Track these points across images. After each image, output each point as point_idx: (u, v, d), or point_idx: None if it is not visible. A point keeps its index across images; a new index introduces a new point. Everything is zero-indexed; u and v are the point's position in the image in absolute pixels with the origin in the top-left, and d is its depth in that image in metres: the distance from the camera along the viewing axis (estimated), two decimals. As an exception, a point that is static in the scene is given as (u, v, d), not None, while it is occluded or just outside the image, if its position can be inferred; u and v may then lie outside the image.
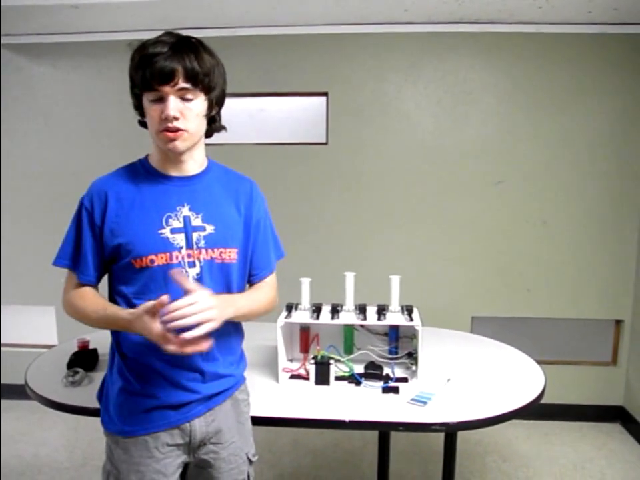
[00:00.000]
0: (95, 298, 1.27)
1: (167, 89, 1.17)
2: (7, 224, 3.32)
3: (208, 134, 1.34)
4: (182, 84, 1.18)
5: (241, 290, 1.39)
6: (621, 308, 3.11)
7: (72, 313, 1.29)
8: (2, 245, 3.33)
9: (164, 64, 1.15)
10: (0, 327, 3.35)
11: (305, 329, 1.96)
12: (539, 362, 2.04)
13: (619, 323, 3.16)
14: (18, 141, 3.26)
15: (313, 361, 1.82)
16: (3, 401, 3.30)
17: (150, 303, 1.11)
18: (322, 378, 1.80)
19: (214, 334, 1.29)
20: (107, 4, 2.57)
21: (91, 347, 2.03)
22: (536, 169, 3.04)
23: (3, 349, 3.42)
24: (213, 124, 1.33)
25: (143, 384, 1.27)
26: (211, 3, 2.57)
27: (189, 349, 1.12)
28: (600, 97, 2.96)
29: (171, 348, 1.11)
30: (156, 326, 1.11)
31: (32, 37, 3.10)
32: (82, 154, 3.19)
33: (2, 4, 2.54)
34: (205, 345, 1.14)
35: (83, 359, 1.95)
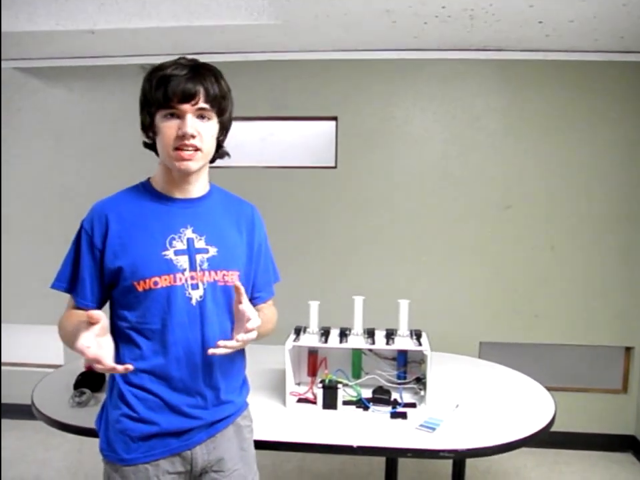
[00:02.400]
0: (77, 315, 1.23)
1: (186, 107, 1.19)
2: (17, 243, 3.35)
3: (212, 159, 1.34)
4: (201, 104, 1.21)
5: None
6: (631, 335, 3.07)
7: (61, 336, 1.25)
8: (9, 264, 3.35)
9: (187, 83, 1.19)
10: (0, 346, 3.35)
11: (313, 353, 1.95)
12: (547, 388, 2.02)
13: (629, 350, 3.13)
14: (31, 161, 3.31)
15: (320, 385, 1.81)
16: (7, 421, 3.28)
17: (90, 313, 1.05)
18: (329, 402, 1.79)
19: (218, 360, 1.29)
20: (122, 30, 2.62)
21: (98, 367, 2.03)
22: (544, 194, 3.04)
23: (9, 368, 3.42)
24: (219, 149, 1.34)
25: (144, 410, 1.24)
26: (223, 28, 2.62)
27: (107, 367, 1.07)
28: (607, 123, 2.97)
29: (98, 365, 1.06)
30: (88, 337, 1.04)
31: (48, 60, 3.17)
32: (93, 175, 3.23)
33: (23, 29, 2.60)
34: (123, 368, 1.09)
35: (90, 379, 1.95)
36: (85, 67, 3.19)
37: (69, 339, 1.18)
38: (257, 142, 3.21)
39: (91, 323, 1.04)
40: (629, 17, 2.37)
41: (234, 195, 1.43)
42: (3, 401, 3.33)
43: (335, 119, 3.14)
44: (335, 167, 3.15)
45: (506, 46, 2.89)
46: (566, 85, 2.97)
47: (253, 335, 1.20)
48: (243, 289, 1.20)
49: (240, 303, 1.21)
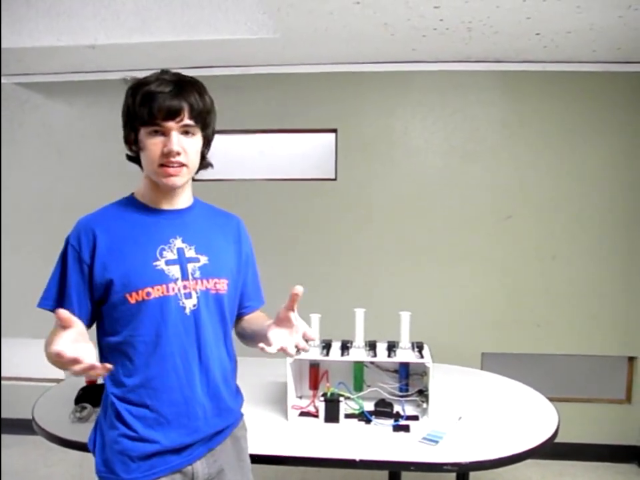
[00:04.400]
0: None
1: (171, 124, 1.19)
2: (18, 257, 3.36)
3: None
4: (186, 120, 1.20)
5: (231, 323, 1.39)
6: (633, 344, 3.06)
7: (46, 355, 1.15)
8: (10, 278, 3.36)
9: (172, 101, 1.18)
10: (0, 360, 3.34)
11: (314, 366, 1.94)
12: (550, 399, 2.01)
13: (632, 359, 3.11)
14: (33, 175, 3.32)
15: (322, 398, 1.81)
16: (8, 436, 3.27)
17: (59, 311, 1.01)
18: (331, 415, 1.79)
19: (218, 365, 1.30)
20: (122, 44, 2.65)
21: (99, 382, 2.02)
22: (544, 204, 3.05)
23: (9, 382, 3.42)
24: (203, 161, 1.33)
25: (143, 429, 1.22)
26: (223, 43, 2.64)
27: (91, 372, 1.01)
28: (605, 133, 2.98)
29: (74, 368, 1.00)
30: (63, 341, 0.99)
31: (49, 75, 3.20)
32: (94, 189, 3.23)
33: (24, 45, 2.63)
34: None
35: (91, 394, 1.94)
36: (86, 81, 3.21)
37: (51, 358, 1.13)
38: (256, 155, 3.22)
39: (63, 326, 1.00)
40: (625, 28, 2.39)
41: (218, 207, 1.44)
42: (4, 416, 3.32)
43: (334, 131, 3.15)
44: (335, 179, 3.16)
45: (504, 57, 2.91)
46: (565, 96, 2.99)
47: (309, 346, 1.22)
48: (300, 295, 1.17)
49: (292, 310, 1.18)
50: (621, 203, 3.01)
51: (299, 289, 1.16)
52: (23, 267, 3.35)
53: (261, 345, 1.15)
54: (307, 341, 1.19)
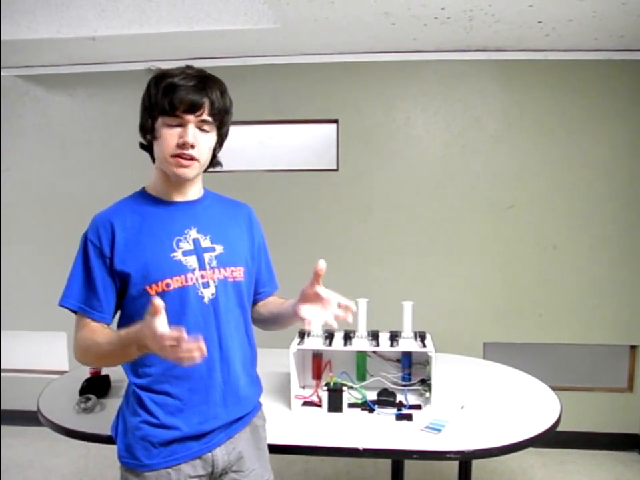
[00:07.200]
0: (106, 329, 1.23)
1: (190, 117, 1.21)
2: (21, 250, 3.36)
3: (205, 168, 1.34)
4: (205, 116, 1.22)
5: (248, 308, 1.41)
6: (635, 333, 3.07)
7: (84, 353, 1.23)
8: (12, 271, 3.36)
9: (194, 95, 1.20)
10: (0, 352, 3.36)
11: (317, 356, 1.95)
12: (552, 388, 2.02)
13: (633, 348, 3.12)
14: (33, 168, 3.32)
15: (325, 388, 1.81)
16: (13, 427, 3.29)
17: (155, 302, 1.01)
18: (335, 405, 1.79)
19: (238, 353, 1.33)
20: (122, 36, 2.64)
21: (103, 373, 2.03)
22: (545, 193, 3.04)
23: (14, 375, 3.44)
24: (213, 159, 1.35)
25: (164, 416, 1.25)
26: (222, 33, 2.63)
27: (192, 355, 1.01)
28: (607, 122, 2.97)
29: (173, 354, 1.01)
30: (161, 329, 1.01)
31: (50, 68, 3.19)
32: (97, 180, 3.24)
33: (23, 37, 2.62)
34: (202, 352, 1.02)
35: (95, 385, 1.95)
36: (86, 73, 3.20)
37: (110, 353, 1.16)
38: (257, 145, 3.21)
39: (154, 313, 1.00)
40: (628, 15, 2.37)
41: (228, 197, 1.46)
42: (9, 408, 3.35)
43: (335, 121, 3.14)
44: (337, 170, 3.16)
45: (505, 46, 2.89)
46: (566, 85, 2.97)
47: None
48: (323, 270, 1.22)
49: (318, 284, 1.23)
50: (622, 192, 3.01)
51: (322, 264, 1.21)
52: (24, 260, 3.35)
53: (307, 323, 1.22)
54: (340, 307, 1.23)
